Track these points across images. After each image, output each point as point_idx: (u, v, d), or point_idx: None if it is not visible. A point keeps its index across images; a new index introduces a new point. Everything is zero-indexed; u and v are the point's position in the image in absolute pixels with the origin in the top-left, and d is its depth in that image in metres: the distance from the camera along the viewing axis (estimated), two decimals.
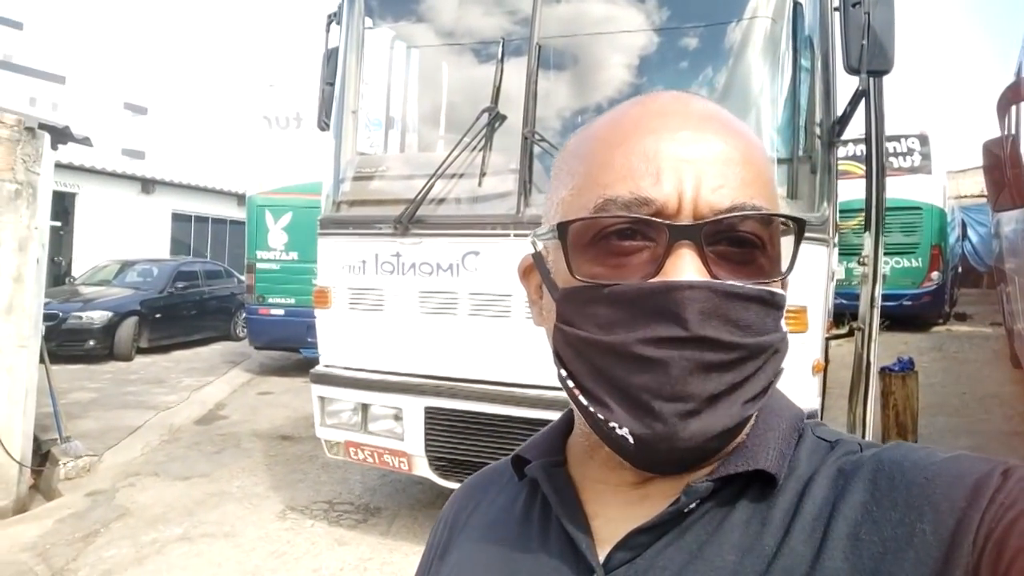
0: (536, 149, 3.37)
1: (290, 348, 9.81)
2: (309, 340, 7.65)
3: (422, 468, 3.75)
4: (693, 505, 0.52)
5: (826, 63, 3.25)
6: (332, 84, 4.06)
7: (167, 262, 13.34)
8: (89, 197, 15.77)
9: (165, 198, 17.80)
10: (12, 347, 4.87)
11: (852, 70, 2.92)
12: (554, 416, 0.69)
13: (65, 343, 10.01)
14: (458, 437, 3.59)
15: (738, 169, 0.51)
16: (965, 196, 16.63)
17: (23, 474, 4.99)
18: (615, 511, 0.56)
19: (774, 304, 0.53)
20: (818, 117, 3.21)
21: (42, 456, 5.52)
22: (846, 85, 3.17)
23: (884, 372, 5.63)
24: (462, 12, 3.89)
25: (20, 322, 4.91)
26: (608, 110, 0.58)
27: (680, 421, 0.48)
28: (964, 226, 16.25)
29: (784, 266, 0.54)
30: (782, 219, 0.53)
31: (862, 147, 3.49)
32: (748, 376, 0.50)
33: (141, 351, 11.17)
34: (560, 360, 0.56)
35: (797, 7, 3.24)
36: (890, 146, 10.71)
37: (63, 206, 15.00)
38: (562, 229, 0.53)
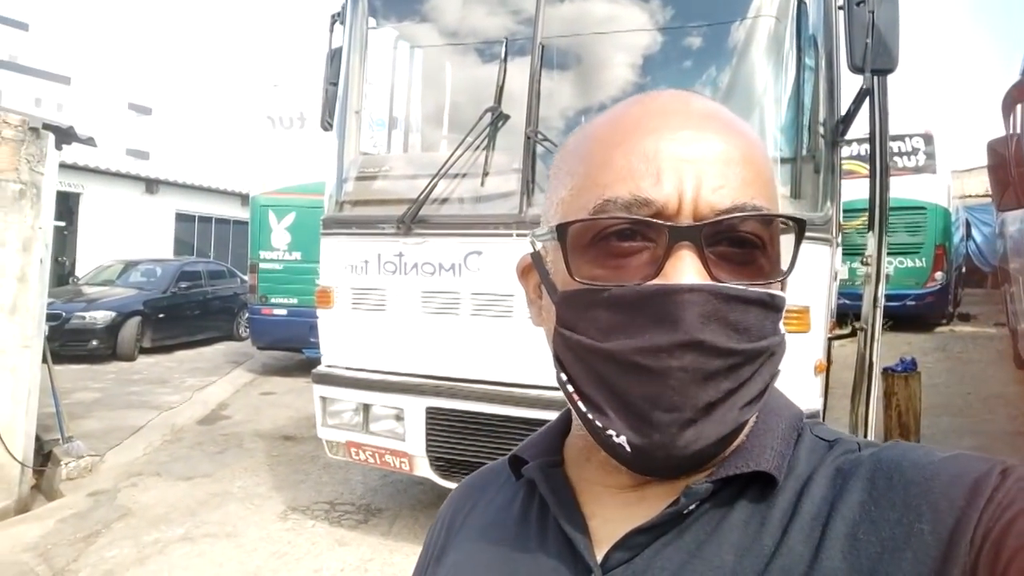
0: (539, 149, 3.36)
1: (293, 348, 9.82)
2: (312, 340, 7.63)
3: (423, 468, 3.74)
4: (692, 506, 0.51)
5: (830, 62, 3.23)
6: (336, 84, 4.06)
7: (170, 262, 13.36)
8: (93, 197, 15.81)
9: (169, 198, 17.83)
10: (16, 347, 4.88)
11: (856, 69, 2.91)
12: (555, 417, 0.68)
13: (68, 343, 10.04)
14: (459, 437, 3.59)
15: (738, 169, 0.51)
16: (970, 196, 16.60)
17: (25, 474, 5.01)
18: (613, 512, 0.56)
19: (774, 306, 0.52)
20: (822, 116, 3.19)
21: (44, 456, 5.53)
22: (850, 84, 3.16)
23: (887, 372, 5.61)
24: (465, 12, 3.88)
25: (24, 322, 4.92)
26: (608, 109, 0.58)
27: (678, 431, 0.48)
28: (968, 226, 16.22)
29: (784, 266, 0.54)
30: (783, 219, 0.53)
31: (866, 146, 3.48)
32: (745, 381, 0.50)
33: (144, 351, 11.19)
34: (560, 364, 0.55)
35: (801, 6, 3.23)
36: (894, 145, 10.70)
37: (67, 206, 15.05)
38: (561, 230, 0.52)
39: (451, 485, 3.64)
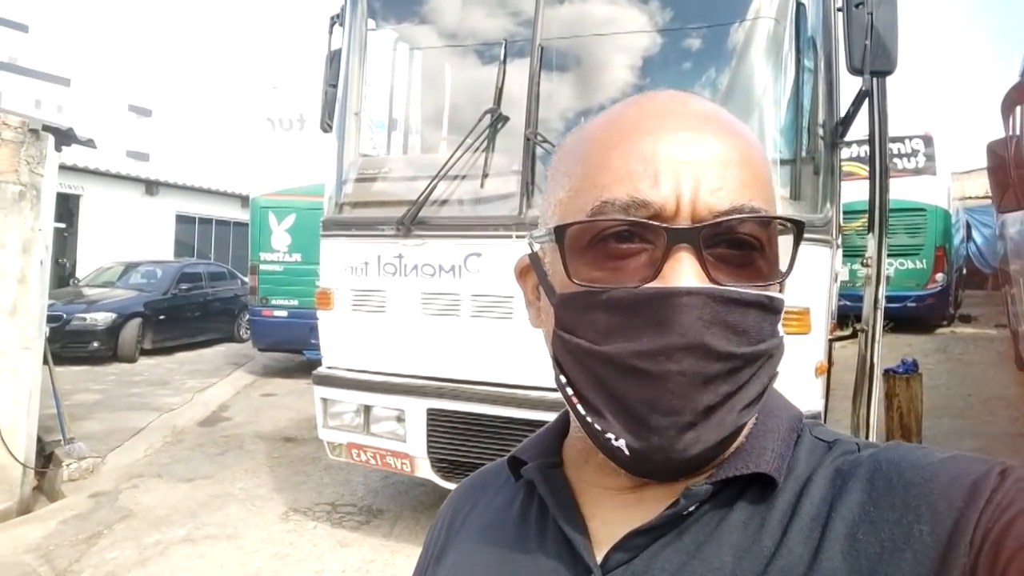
0: (538, 150, 3.36)
1: (293, 350, 9.82)
2: (312, 342, 7.63)
3: (424, 470, 3.74)
4: (692, 508, 0.51)
5: (829, 64, 3.24)
6: (335, 86, 4.07)
7: (171, 264, 13.36)
8: (93, 199, 15.81)
9: (169, 200, 17.84)
10: (16, 349, 4.88)
11: (855, 71, 2.91)
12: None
13: (69, 345, 10.05)
14: (460, 439, 3.59)
15: (736, 170, 0.51)
16: (970, 197, 16.60)
17: (27, 475, 5.01)
18: (612, 513, 0.56)
19: (772, 308, 0.52)
20: (821, 118, 3.20)
21: (46, 457, 5.53)
22: (849, 86, 3.16)
23: (888, 374, 5.61)
24: (464, 14, 3.89)
25: (24, 324, 4.92)
26: (606, 109, 0.58)
27: (677, 434, 0.48)
28: (969, 227, 16.21)
29: (783, 268, 0.54)
30: (781, 220, 0.53)
31: (866, 148, 3.48)
32: (744, 384, 0.50)
33: (145, 353, 11.19)
34: (559, 366, 0.56)
35: (800, 8, 3.24)
36: (894, 147, 10.69)
37: (68, 208, 15.05)
38: (559, 232, 0.52)
39: (452, 486, 3.63)
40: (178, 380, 9.50)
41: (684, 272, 0.49)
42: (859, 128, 3.45)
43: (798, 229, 0.53)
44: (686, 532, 0.51)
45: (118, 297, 11.41)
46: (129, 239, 15.76)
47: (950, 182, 12.05)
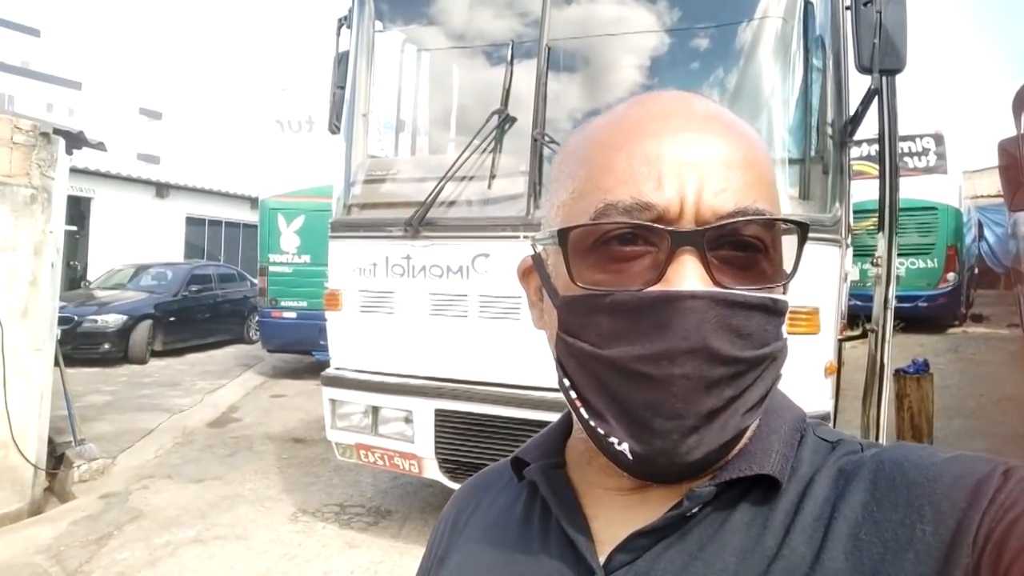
0: (546, 151, 3.36)
1: (303, 351, 9.85)
2: (321, 343, 7.66)
3: (432, 471, 3.74)
4: (695, 509, 0.51)
5: (838, 62, 3.22)
6: (343, 87, 4.08)
7: (181, 266, 13.43)
8: (104, 201, 15.92)
9: (179, 202, 17.94)
10: (27, 350, 4.92)
11: (864, 69, 2.89)
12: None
13: (80, 346, 10.11)
14: (468, 440, 3.59)
15: (740, 172, 0.50)
16: (982, 196, 16.46)
17: (38, 476, 5.04)
18: (615, 514, 0.56)
19: (776, 311, 0.52)
20: (830, 117, 3.18)
21: (57, 459, 5.57)
22: (858, 84, 3.14)
23: (899, 374, 5.58)
24: (472, 15, 3.89)
25: (35, 326, 4.96)
26: (609, 110, 0.57)
27: (680, 438, 0.48)
28: (980, 226, 16.08)
29: (788, 269, 0.53)
30: (785, 222, 0.53)
31: (876, 147, 3.46)
32: (747, 387, 0.50)
33: (155, 354, 11.26)
34: (562, 369, 0.55)
35: (808, 6, 3.22)
36: (905, 146, 10.64)
37: (79, 210, 15.15)
38: (562, 235, 0.52)
39: None
40: (188, 381, 9.55)
41: (688, 275, 0.48)
42: (869, 127, 3.44)
43: (802, 230, 0.53)
44: (689, 533, 0.51)
45: (129, 299, 11.48)
46: (140, 241, 15.87)
47: (961, 181, 11.98)
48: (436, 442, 3.67)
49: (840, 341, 3.98)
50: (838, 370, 3.92)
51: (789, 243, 0.53)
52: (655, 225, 0.49)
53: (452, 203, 3.58)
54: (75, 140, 5.32)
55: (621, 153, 0.51)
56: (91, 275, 14.62)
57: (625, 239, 0.51)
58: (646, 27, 3.51)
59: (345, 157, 4.01)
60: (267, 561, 4.06)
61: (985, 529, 0.42)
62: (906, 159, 10.71)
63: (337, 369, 3.96)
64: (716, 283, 0.49)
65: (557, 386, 0.56)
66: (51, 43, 32.25)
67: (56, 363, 5.29)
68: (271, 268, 9.39)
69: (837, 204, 3.14)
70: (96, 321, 10.51)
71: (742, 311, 0.49)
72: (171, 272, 12.64)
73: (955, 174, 11.29)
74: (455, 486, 3.71)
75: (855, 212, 5.94)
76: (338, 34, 4.15)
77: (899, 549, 0.44)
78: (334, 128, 4.13)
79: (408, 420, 3.74)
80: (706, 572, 0.49)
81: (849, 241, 4.44)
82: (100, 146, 5.62)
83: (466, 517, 0.69)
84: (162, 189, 17.49)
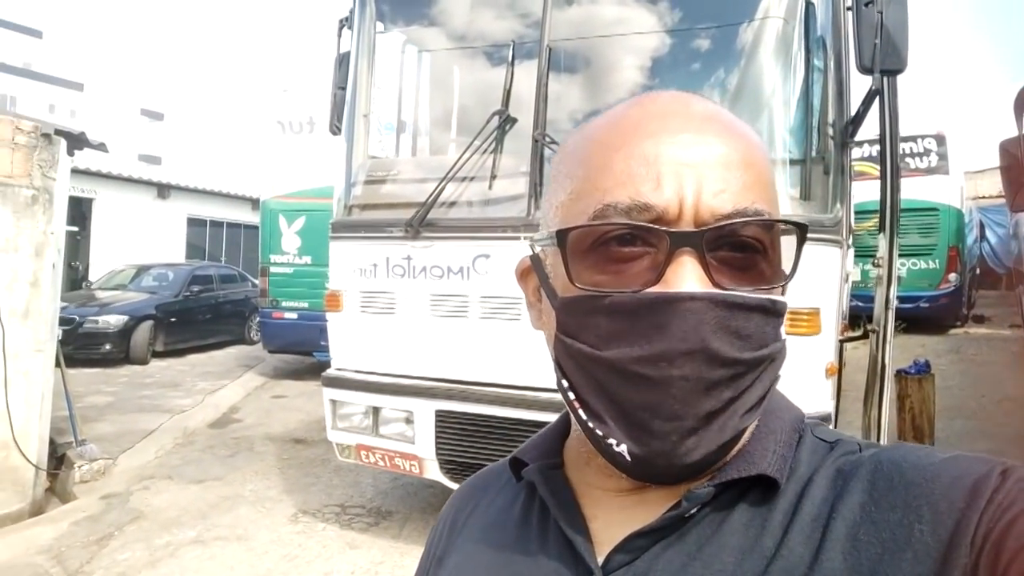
0: (547, 152, 3.36)
1: (303, 352, 9.85)
2: (322, 344, 7.66)
3: (433, 472, 3.74)
4: (694, 510, 0.51)
5: (839, 63, 3.21)
6: (344, 88, 4.08)
7: (182, 266, 13.43)
8: (106, 202, 15.94)
9: (180, 203, 17.95)
10: (29, 351, 4.92)
11: (865, 70, 2.89)
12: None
13: (82, 347, 10.12)
14: (469, 441, 3.58)
15: (739, 172, 0.50)
16: (983, 197, 16.44)
17: (39, 477, 5.04)
18: (613, 514, 0.56)
19: (775, 312, 0.52)
20: (831, 118, 3.17)
21: (58, 459, 5.58)
22: (860, 85, 3.14)
23: (900, 375, 5.57)
24: (472, 16, 3.89)
25: (36, 326, 4.96)
26: (607, 110, 0.57)
27: (679, 439, 0.48)
28: (982, 227, 16.06)
29: (786, 270, 0.53)
30: (784, 223, 0.53)
31: (878, 148, 3.45)
32: (746, 388, 0.50)
33: (156, 355, 11.26)
34: (561, 370, 0.55)
35: (809, 7, 3.21)
36: (906, 147, 10.63)
37: (80, 211, 15.18)
38: (561, 236, 0.52)
39: None
40: (189, 382, 9.55)
41: (687, 276, 0.48)
42: (870, 127, 3.43)
43: (801, 231, 0.53)
44: (688, 534, 0.51)
45: (130, 300, 11.49)
46: (141, 242, 15.88)
47: (963, 181, 11.96)
48: (437, 443, 3.67)
49: (841, 342, 3.98)
50: (839, 371, 3.92)
51: (788, 244, 0.53)
52: (654, 226, 0.49)
53: (453, 204, 3.58)
54: (76, 141, 5.32)
55: (620, 154, 0.51)
56: (92, 276, 14.63)
57: (624, 240, 0.51)
58: (647, 28, 3.51)
59: (346, 158, 4.01)
60: (268, 562, 4.06)
61: (983, 529, 0.42)
62: (908, 160, 10.69)
63: (338, 370, 3.96)
64: (715, 284, 0.49)
65: (557, 387, 0.56)
66: (53, 44, 32.31)
67: (57, 364, 5.29)
68: (272, 269, 9.39)
69: (838, 205, 3.13)
70: (97, 322, 10.51)
71: (741, 312, 0.49)
72: (172, 273, 12.65)
73: (957, 175, 11.27)
74: (456, 487, 3.71)
75: (856, 213, 5.93)
76: (339, 35, 4.15)
77: (897, 549, 0.44)
78: (335, 129, 4.13)
79: (409, 421, 3.74)
80: (704, 572, 0.49)
81: (850, 242, 4.43)
82: (101, 147, 5.63)
83: (464, 517, 0.69)
84: (163, 190, 17.50)
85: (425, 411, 3.66)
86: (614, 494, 0.56)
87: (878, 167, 3.32)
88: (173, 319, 11.64)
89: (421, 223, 3.56)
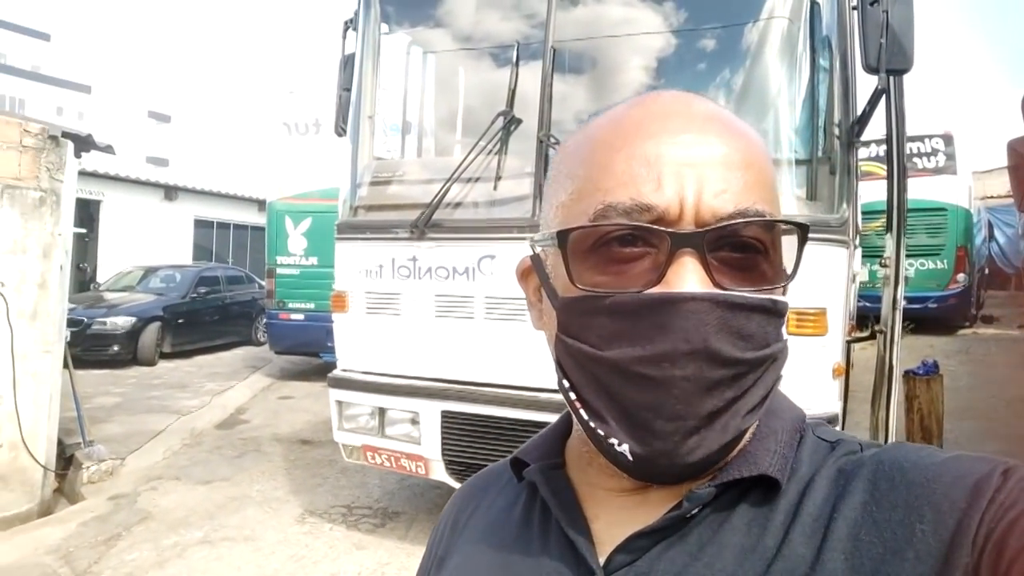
0: (551, 152, 3.35)
1: (310, 352, 9.87)
2: (329, 344, 7.66)
3: (439, 472, 3.74)
4: (695, 510, 0.51)
5: (844, 63, 3.20)
6: (349, 90, 4.09)
7: (189, 268, 13.48)
8: (113, 204, 16.02)
9: (187, 205, 18.03)
10: (37, 352, 4.95)
11: (871, 69, 2.87)
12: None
13: (90, 348, 10.17)
14: (475, 441, 3.58)
15: (740, 173, 0.50)
16: (992, 196, 16.34)
17: (47, 478, 5.07)
18: (614, 514, 0.56)
19: (776, 312, 0.52)
20: (837, 117, 3.16)
21: (66, 460, 5.60)
22: (866, 85, 3.13)
23: (908, 376, 5.55)
24: (477, 17, 3.90)
25: (44, 328, 4.99)
26: (608, 110, 0.57)
27: (680, 439, 0.48)
28: (991, 227, 15.98)
29: (788, 270, 0.53)
30: (786, 223, 0.53)
31: (884, 148, 3.44)
32: (748, 389, 0.50)
33: (164, 356, 11.30)
34: (562, 370, 0.55)
35: (814, 7, 3.20)
36: (914, 146, 10.57)
37: (88, 213, 15.25)
38: (562, 237, 0.52)
39: None
40: (197, 383, 9.59)
41: (688, 277, 0.48)
42: (877, 127, 3.42)
43: (802, 232, 0.53)
44: (689, 534, 0.51)
45: (138, 301, 11.53)
46: (148, 244, 15.95)
47: (971, 181, 11.89)
48: (443, 444, 3.67)
49: (849, 342, 3.96)
50: (847, 371, 3.90)
51: (789, 244, 0.53)
52: (655, 227, 0.49)
53: (458, 205, 3.58)
54: (84, 143, 5.35)
55: (621, 154, 0.51)
56: (100, 277, 14.71)
57: (625, 240, 0.51)
58: (652, 28, 3.50)
59: (351, 159, 4.02)
60: (274, 562, 4.07)
61: (985, 529, 0.42)
62: (915, 160, 10.64)
63: (344, 371, 3.96)
64: (716, 285, 0.49)
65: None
66: (61, 47, 32.51)
67: (65, 365, 5.32)
68: (279, 270, 9.42)
69: (844, 205, 3.12)
70: (105, 323, 10.57)
71: (742, 312, 0.49)
72: (179, 274, 12.70)
73: (965, 174, 11.21)
74: None
75: (864, 213, 5.91)
76: (344, 37, 4.16)
77: (899, 549, 0.44)
78: (340, 130, 4.14)
79: (415, 422, 3.74)
80: (706, 573, 0.49)
81: (857, 242, 4.41)
82: (109, 149, 5.66)
83: (466, 518, 0.69)
84: (170, 192, 17.58)
85: (431, 412, 3.67)
86: (615, 494, 0.56)
87: (885, 167, 3.31)
88: (180, 320, 11.69)
89: (426, 224, 3.57)
